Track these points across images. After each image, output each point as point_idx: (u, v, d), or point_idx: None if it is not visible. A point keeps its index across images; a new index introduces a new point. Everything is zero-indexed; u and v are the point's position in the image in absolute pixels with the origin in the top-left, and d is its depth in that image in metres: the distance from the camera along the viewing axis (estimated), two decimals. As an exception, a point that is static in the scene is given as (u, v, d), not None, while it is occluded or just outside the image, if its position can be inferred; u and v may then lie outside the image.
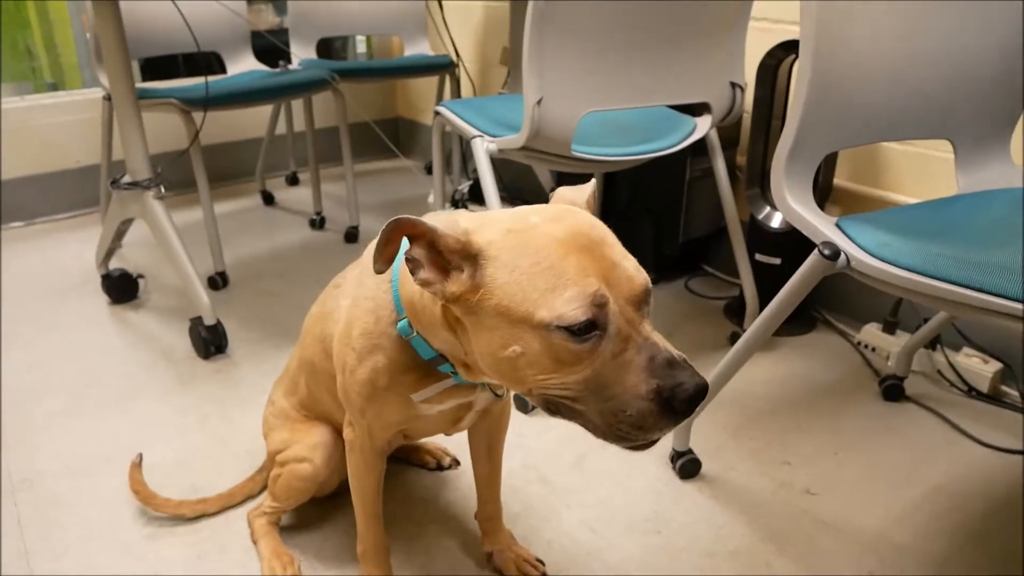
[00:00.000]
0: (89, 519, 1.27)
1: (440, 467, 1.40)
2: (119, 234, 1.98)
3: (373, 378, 0.87)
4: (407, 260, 0.72)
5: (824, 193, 1.79)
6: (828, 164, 1.77)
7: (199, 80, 2.08)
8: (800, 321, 1.86)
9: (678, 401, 0.64)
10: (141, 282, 2.11)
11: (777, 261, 1.79)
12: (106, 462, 1.41)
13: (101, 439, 1.48)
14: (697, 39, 1.44)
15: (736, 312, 1.89)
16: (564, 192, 0.80)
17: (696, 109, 1.63)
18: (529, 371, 0.69)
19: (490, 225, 0.71)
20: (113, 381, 1.68)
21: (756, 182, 1.80)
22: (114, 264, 2.08)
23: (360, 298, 0.88)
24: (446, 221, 0.70)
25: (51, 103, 2.74)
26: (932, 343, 1.64)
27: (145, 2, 1.73)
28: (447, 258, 0.71)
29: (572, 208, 0.75)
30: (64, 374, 1.72)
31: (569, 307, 0.65)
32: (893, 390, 1.56)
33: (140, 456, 1.28)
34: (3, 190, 2.68)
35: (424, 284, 0.71)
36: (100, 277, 2.07)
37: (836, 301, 1.89)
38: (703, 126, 1.58)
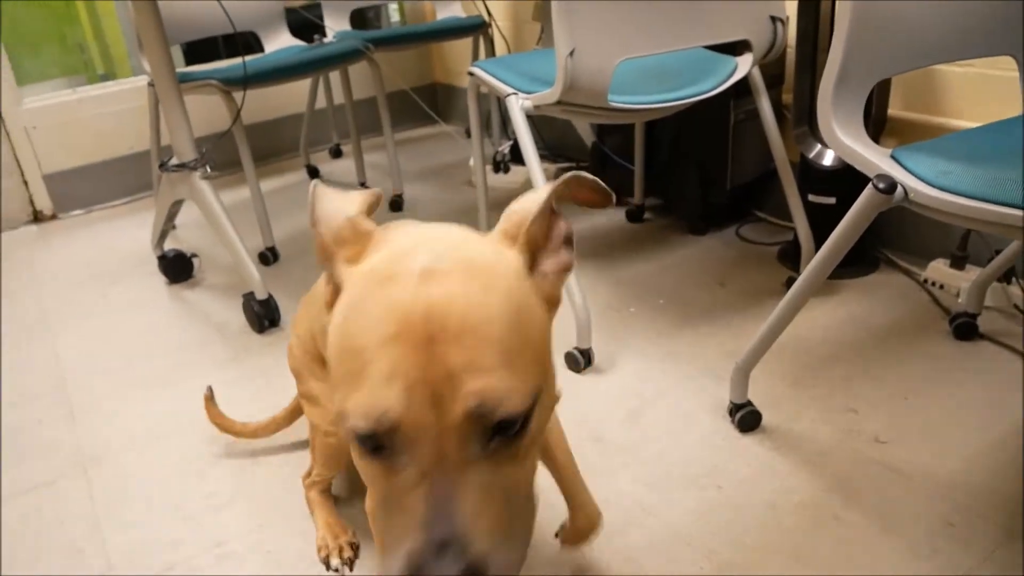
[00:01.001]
0: (154, 490, 1.31)
1: None
2: (171, 216, 2.01)
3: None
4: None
5: (878, 125, 1.70)
6: (880, 94, 1.68)
7: (238, 60, 2.08)
8: (861, 262, 1.78)
9: None
10: (195, 261, 2.15)
11: (831, 200, 1.71)
12: (167, 434, 1.45)
13: (162, 412, 1.52)
14: (734, -28, 1.37)
15: (791, 257, 1.83)
16: (513, 209, 0.63)
17: (736, 48, 1.56)
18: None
19: (384, 249, 0.59)
20: (172, 356, 1.72)
21: (804, 119, 1.72)
22: (169, 245, 2.13)
23: None
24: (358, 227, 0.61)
25: (101, 93, 2.80)
26: (1006, 276, 1.56)
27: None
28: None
29: (465, 256, 0.57)
30: (125, 352, 1.77)
31: (355, 411, 0.53)
32: (965, 328, 1.49)
33: (210, 389, 1.31)
34: (61, 180, 2.76)
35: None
36: (156, 259, 2.12)
37: (898, 238, 1.80)
38: (744, 65, 1.51)
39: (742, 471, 1.22)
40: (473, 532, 0.51)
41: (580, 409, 1.41)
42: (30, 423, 1.54)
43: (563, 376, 1.50)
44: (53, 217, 2.78)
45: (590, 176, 0.62)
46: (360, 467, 0.58)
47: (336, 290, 0.59)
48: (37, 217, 2.76)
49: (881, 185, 0.90)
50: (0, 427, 1.53)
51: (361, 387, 0.52)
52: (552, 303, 0.62)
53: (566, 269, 0.63)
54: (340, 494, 1.26)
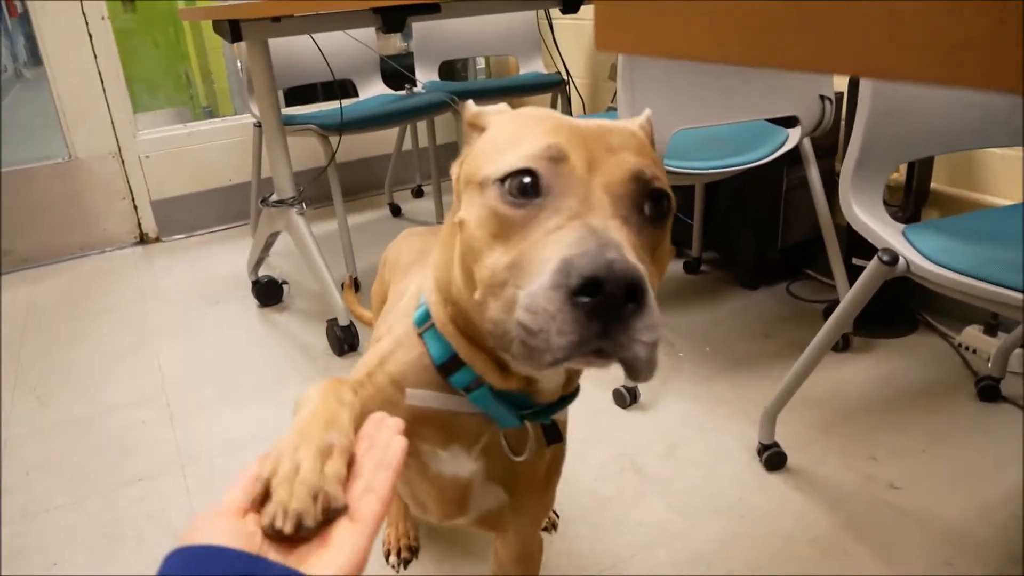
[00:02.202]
0: (244, 488, 1.49)
1: None
2: (267, 245, 2.24)
3: (383, 358, 0.72)
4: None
5: (920, 198, 1.81)
6: (923, 168, 1.80)
7: (335, 104, 2.32)
8: (901, 323, 1.88)
9: (581, 275, 0.46)
10: (285, 287, 2.37)
11: (874, 265, 1.82)
12: (255, 441, 1.64)
13: (250, 422, 1.72)
14: (783, 56, 1.52)
15: (835, 315, 1.94)
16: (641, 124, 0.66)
17: (789, 120, 1.70)
18: (470, 257, 0.55)
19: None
20: (260, 373, 1.93)
21: (853, 188, 1.85)
22: (262, 272, 2.35)
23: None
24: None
25: (208, 129, 3.08)
26: (1034, 345, 1.65)
27: (288, 38, 1.97)
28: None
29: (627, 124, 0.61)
30: (219, 367, 1.98)
31: (513, 158, 0.53)
32: (989, 390, 1.58)
33: (351, 277, 1.47)
34: (167, 206, 3.04)
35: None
36: (250, 283, 2.34)
37: (938, 302, 1.90)
38: (793, 138, 1.65)
39: (764, 505, 1.34)
40: (632, 256, 0.49)
41: (623, 441, 1.55)
42: (135, 423, 1.75)
43: (609, 412, 1.64)
44: (157, 240, 3.05)
45: None
46: (489, 226, 0.54)
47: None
48: (143, 239, 3.04)
49: (885, 258, 1.04)
50: (110, 425, 1.76)
51: (523, 143, 0.54)
52: None
53: None
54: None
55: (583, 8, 2.07)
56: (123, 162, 2.93)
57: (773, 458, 1.42)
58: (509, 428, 0.69)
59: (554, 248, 0.49)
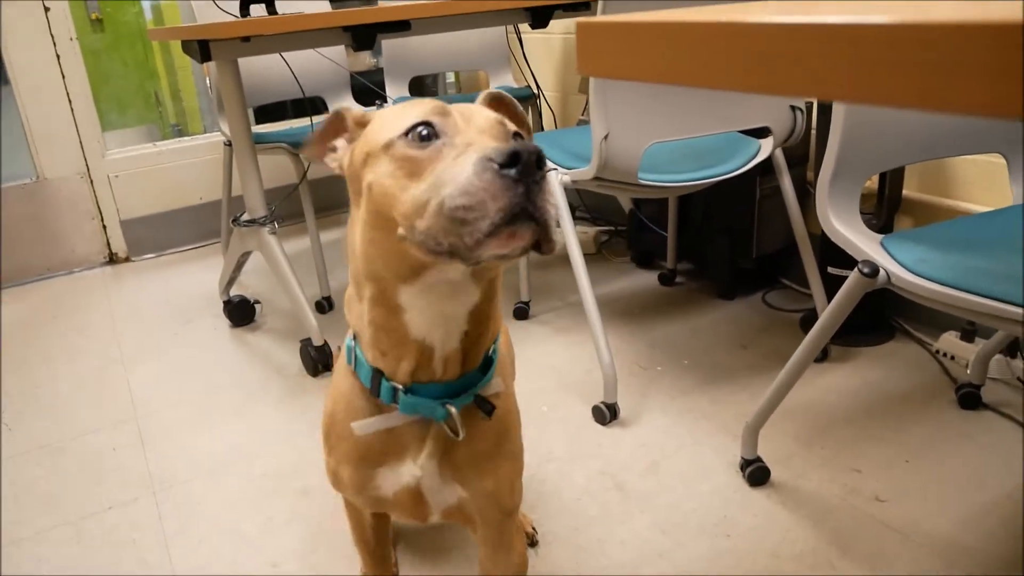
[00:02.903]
0: (217, 513, 1.46)
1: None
2: (239, 265, 2.20)
3: (330, 416, 0.85)
4: (330, 151, 0.78)
5: (893, 205, 1.82)
6: (895, 176, 1.81)
7: (305, 121, 2.29)
8: (878, 331, 1.89)
9: (504, 153, 0.59)
10: (258, 307, 2.33)
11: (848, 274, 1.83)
12: (228, 464, 1.60)
13: (223, 445, 1.68)
14: (755, 68, 1.52)
15: (811, 324, 1.93)
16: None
17: (760, 131, 1.70)
18: (384, 202, 0.66)
19: None
20: (233, 394, 1.89)
21: (827, 198, 1.85)
22: (234, 291, 2.31)
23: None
24: None
25: (178, 147, 3.04)
26: (1010, 349, 1.65)
27: (257, 56, 1.94)
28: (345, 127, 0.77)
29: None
30: (190, 388, 1.94)
31: (409, 118, 0.67)
32: (969, 398, 1.59)
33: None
34: (136, 226, 2.99)
35: (336, 162, 0.77)
36: (222, 303, 2.30)
37: (914, 309, 1.91)
38: (766, 148, 1.66)
39: (749, 521, 1.33)
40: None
41: (605, 458, 1.53)
42: (106, 449, 1.71)
43: (590, 428, 1.63)
44: (127, 259, 3.00)
45: (510, 97, 0.81)
46: (399, 166, 0.66)
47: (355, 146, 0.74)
48: (112, 259, 2.99)
49: (865, 270, 1.03)
50: (78, 451, 1.71)
51: (413, 111, 0.68)
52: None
53: None
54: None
55: (552, 22, 2.07)
56: (92, 182, 2.89)
57: (756, 473, 1.41)
58: (444, 419, 0.78)
59: (466, 158, 0.61)
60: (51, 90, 2.75)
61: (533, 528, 1.34)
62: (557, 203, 0.66)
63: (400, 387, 0.76)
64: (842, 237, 1.09)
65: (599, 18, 0.40)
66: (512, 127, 0.70)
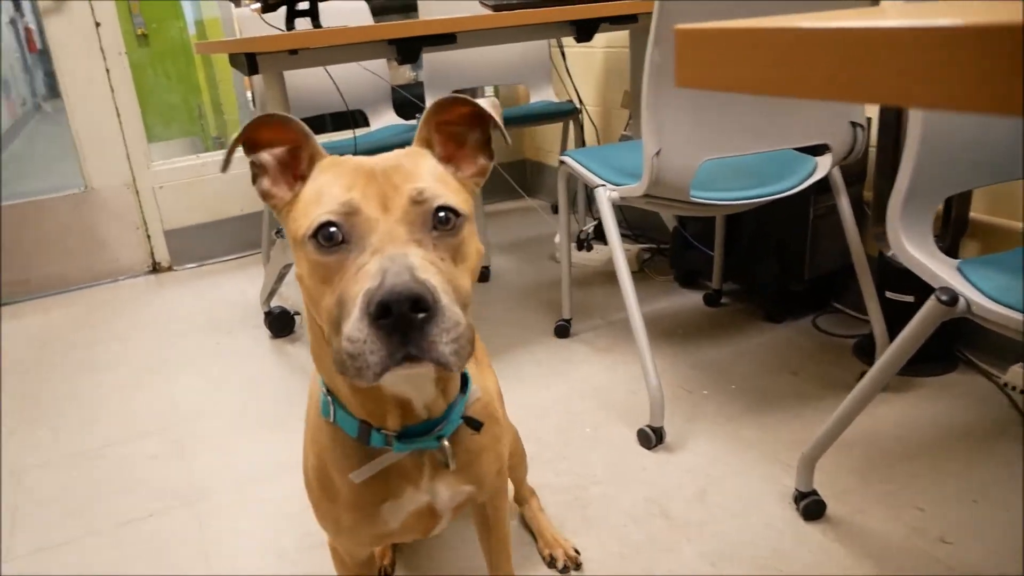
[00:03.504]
0: (255, 525, 1.43)
1: (552, 563, 1.29)
2: (280, 277, 2.19)
3: (318, 470, 0.83)
4: (251, 164, 0.73)
5: (959, 228, 1.74)
6: (962, 198, 1.73)
7: (346, 134, 2.27)
8: (940, 360, 1.81)
9: (374, 304, 0.57)
10: (298, 318, 2.32)
11: (910, 299, 1.75)
12: (268, 476, 1.57)
13: (261, 456, 1.65)
14: (815, 84, 1.46)
15: (866, 351, 1.86)
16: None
17: (817, 148, 1.64)
18: (312, 306, 0.67)
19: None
20: (271, 406, 1.87)
21: (884, 219, 1.78)
22: (275, 302, 2.30)
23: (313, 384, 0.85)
24: None
25: (221, 159, 3.05)
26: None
27: (300, 70, 1.94)
28: (301, 170, 0.72)
29: (412, 148, 0.75)
30: (230, 398, 1.92)
31: (320, 210, 0.64)
32: (1038, 434, 1.51)
33: None
34: (179, 236, 3.01)
35: (264, 195, 0.72)
36: (263, 313, 2.29)
37: (980, 339, 1.82)
38: (823, 166, 1.59)
39: (804, 558, 1.26)
40: (421, 272, 0.59)
41: (649, 484, 1.47)
42: (145, 458, 1.69)
43: (634, 452, 1.57)
44: (169, 269, 3.02)
45: (453, 95, 0.75)
46: (313, 273, 0.65)
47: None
48: (155, 268, 3.01)
49: (944, 297, 0.97)
50: (117, 460, 1.70)
51: (323, 200, 0.65)
52: (468, 191, 0.75)
53: (481, 173, 0.78)
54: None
55: (596, 36, 2.03)
56: (137, 192, 2.92)
57: (811, 507, 1.34)
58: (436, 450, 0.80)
59: (360, 283, 0.60)
60: (100, 103, 2.78)
61: (576, 551, 1.29)
62: (454, 333, 0.60)
63: (392, 434, 0.76)
64: (916, 262, 1.03)
65: (703, 24, 0.36)
66: (441, 200, 0.66)
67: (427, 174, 0.69)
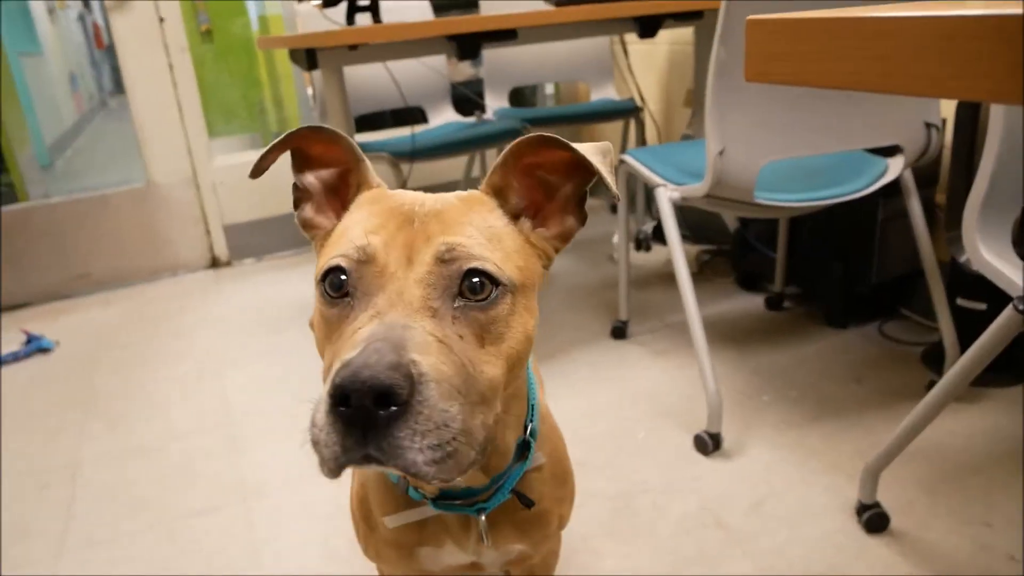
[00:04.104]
0: (307, 525, 1.44)
1: None
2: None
3: (360, 498, 0.78)
4: (293, 187, 0.65)
5: (1036, 235, 1.66)
6: (1040, 203, 1.65)
7: (404, 131, 2.29)
8: (1011, 371, 1.73)
9: (335, 387, 0.47)
10: (351, 316, 2.33)
11: (982, 307, 1.68)
12: (317, 478, 1.58)
13: (313, 458, 1.66)
14: (887, 82, 1.41)
15: (935, 360, 1.79)
16: None
17: (888, 149, 1.58)
18: (318, 347, 0.59)
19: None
20: (326, 406, 1.88)
21: (957, 223, 1.71)
22: (329, 299, 2.32)
23: None
24: None
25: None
26: None
27: (359, 65, 1.95)
28: (349, 197, 0.64)
29: (474, 193, 0.64)
30: (285, 396, 1.94)
31: (336, 251, 0.56)
32: (1119, 451, 1.43)
33: None
34: (238, 231, 3.06)
35: (304, 225, 0.65)
36: (317, 311, 2.31)
37: (1054, 350, 1.74)
38: (895, 168, 1.53)
39: (865, 572, 1.21)
40: (414, 352, 0.49)
41: (705, 493, 1.44)
42: (200, 454, 1.72)
43: (688, 459, 1.54)
44: (228, 264, 3.07)
45: (546, 135, 0.61)
46: (319, 325, 0.58)
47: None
48: (214, 263, 3.07)
49: (1022, 307, 0.92)
50: (173, 455, 1.73)
51: (343, 241, 0.57)
52: (543, 253, 0.64)
53: (566, 235, 0.65)
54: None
55: (660, 32, 2.00)
56: (198, 187, 2.97)
57: (874, 520, 1.29)
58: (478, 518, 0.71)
59: (344, 353, 0.49)
60: (162, 99, 2.84)
61: None
62: (431, 438, 0.49)
63: (427, 496, 0.70)
64: (992, 268, 0.98)
65: (777, 15, 0.34)
66: (475, 263, 0.54)
67: (473, 228, 0.57)
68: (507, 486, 0.70)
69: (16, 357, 2.27)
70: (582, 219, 0.65)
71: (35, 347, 2.31)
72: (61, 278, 2.83)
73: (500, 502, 0.70)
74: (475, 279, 0.54)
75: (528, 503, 0.72)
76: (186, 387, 2.04)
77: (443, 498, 0.69)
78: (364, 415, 0.47)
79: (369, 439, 0.48)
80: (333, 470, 0.51)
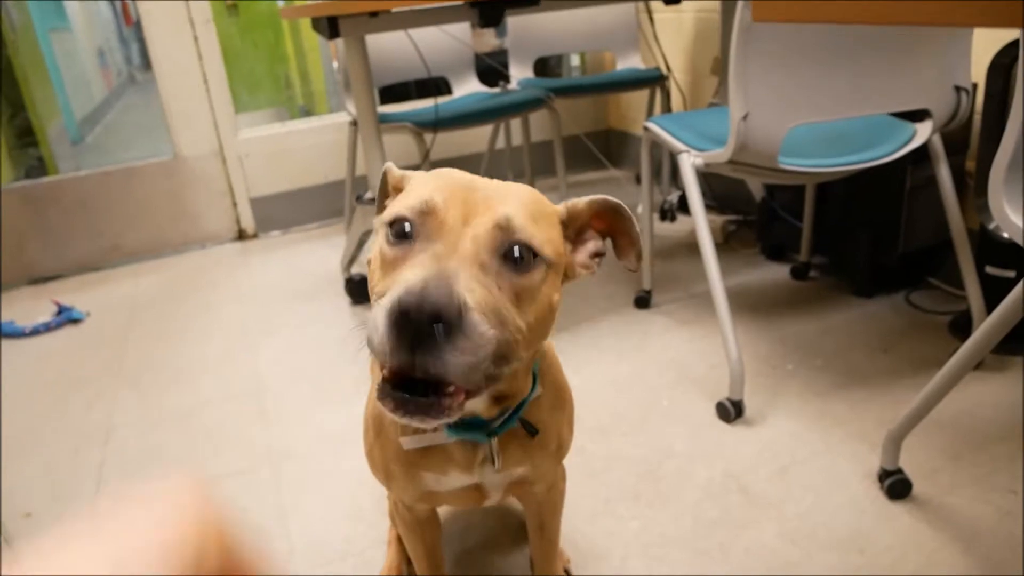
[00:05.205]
0: (333, 488, 1.47)
1: None
2: (361, 243, 2.23)
3: (375, 418, 0.86)
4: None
5: (1070, 201, 1.63)
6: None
7: (428, 102, 2.29)
8: (1040, 340, 1.70)
9: (397, 305, 0.57)
10: (376, 286, 2.35)
11: (1011, 274, 1.65)
12: (346, 441, 1.61)
13: (341, 421, 1.69)
14: (914, 42, 1.38)
15: (963, 329, 1.77)
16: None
17: (916, 114, 1.56)
18: (371, 283, 0.68)
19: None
20: (351, 372, 1.91)
21: (987, 190, 1.68)
22: (355, 269, 2.34)
23: None
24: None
25: (305, 128, 3.12)
26: None
27: (382, 36, 1.95)
28: None
29: (522, 186, 0.73)
30: (311, 364, 1.97)
31: (399, 204, 0.66)
32: None
33: None
34: (264, 204, 3.09)
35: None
36: (344, 280, 2.34)
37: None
38: (923, 133, 1.51)
39: (887, 539, 1.21)
40: (463, 289, 0.59)
41: (728, 459, 1.44)
42: (230, 419, 1.75)
43: (713, 427, 1.54)
44: (254, 236, 3.11)
45: (634, 228, 0.77)
46: (379, 264, 0.67)
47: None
48: (241, 235, 3.10)
49: (1050, 268, 0.91)
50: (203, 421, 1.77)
51: (410, 195, 0.66)
52: (569, 270, 0.76)
53: (586, 268, 0.77)
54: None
55: (684, 1, 1.97)
56: (224, 160, 3.00)
57: (897, 485, 1.29)
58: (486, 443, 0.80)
59: (401, 280, 0.59)
60: (188, 71, 2.86)
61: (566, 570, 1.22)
62: (468, 356, 0.58)
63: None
64: (1018, 230, 0.96)
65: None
66: (524, 236, 0.64)
67: (524, 209, 0.67)
68: (515, 416, 0.79)
69: (48, 327, 2.32)
70: (596, 265, 0.78)
71: (66, 317, 2.36)
72: (91, 250, 2.89)
73: (509, 427, 0.79)
74: (521, 249, 0.64)
75: (533, 431, 0.81)
76: (215, 356, 2.08)
77: (458, 426, 0.77)
78: (418, 328, 0.56)
79: (416, 348, 0.57)
80: (383, 362, 0.60)
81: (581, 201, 0.76)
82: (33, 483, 1.58)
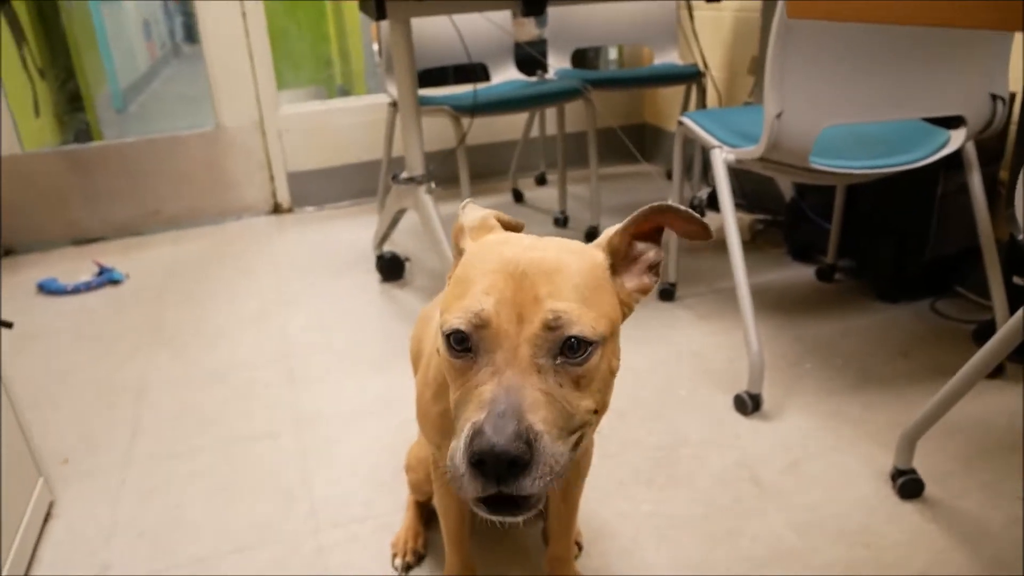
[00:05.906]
0: (355, 455, 1.52)
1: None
2: (394, 222, 2.27)
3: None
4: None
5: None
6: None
7: (467, 87, 2.32)
8: (1063, 353, 1.71)
9: (474, 454, 0.62)
10: (407, 264, 2.40)
11: (1038, 286, 1.66)
12: (371, 411, 1.66)
13: (366, 393, 1.74)
14: (952, 47, 1.39)
15: (986, 338, 1.76)
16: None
17: (951, 120, 1.57)
18: (443, 381, 0.73)
19: (488, 233, 0.78)
20: (378, 346, 1.96)
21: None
22: (386, 248, 2.39)
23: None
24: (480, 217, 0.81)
25: (344, 107, 3.17)
26: None
27: (424, 21, 1.99)
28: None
29: (563, 242, 0.75)
30: (340, 337, 2.02)
31: (455, 313, 0.67)
32: None
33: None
34: (301, 179, 3.14)
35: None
36: (375, 258, 2.39)
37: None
38: (956, 140, 1.52)
39: (895, 536, 1.24)
40: (529, 413, 0.63)
41: (741, 450, 1.47)
42: (260, 384, 1.81)
43: (729, 418, 1.57)
44: (289, 210, 3.16)
45: (681, 207, 0.75)
46: (446, 368, 0.71)
47: (459, 258, 0.77)
48: (277, 209, 3.16)
49: (1068, 275, 0.93)
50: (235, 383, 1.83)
51: (463, 299, 0.68)
52: (627, 307, 0.77)
53: (644, 291, 0.78)
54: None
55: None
56: (264, 133, 3.05)
57: (909, 485, 1.31)
58: None
59: (473, 406, 0.65)
60: (235, 46, 2.92)
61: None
62: (540, 484, 0.64)
63: None
64: (1042, 238, 0.98)
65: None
66: (575, 330, 0.66)
67: (573, 291, 0.68)
68: None
69: (88, 286, 2.40)
70: (656, 278, 0.78)
71: (107, 278, 2.43)
72: (133, 215, 2.96)
73: None
74: (574, 342, 0.66)
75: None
76: (249, 322, 2.14)
77: None
78: (496, 471, 0.62)
79: (499, 482, 0.63)
80: (470, 499, 0.66)
81: (618, 228, 0.76)
82: (70, 432, 1.65)
